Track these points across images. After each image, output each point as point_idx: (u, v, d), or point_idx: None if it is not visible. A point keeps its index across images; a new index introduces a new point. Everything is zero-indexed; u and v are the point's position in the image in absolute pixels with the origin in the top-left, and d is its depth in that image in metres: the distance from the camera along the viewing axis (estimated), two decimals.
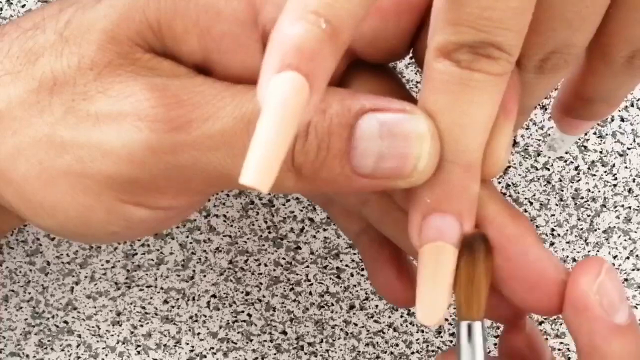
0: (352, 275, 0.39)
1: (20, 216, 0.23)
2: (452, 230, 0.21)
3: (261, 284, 0.39)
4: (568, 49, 0.21)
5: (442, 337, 0.41)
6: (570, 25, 0.20)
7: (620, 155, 0.35)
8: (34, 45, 0.22)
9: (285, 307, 0.40)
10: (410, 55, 0.24)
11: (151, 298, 0.40)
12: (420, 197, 0.21)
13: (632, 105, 0.34)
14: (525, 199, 0.36)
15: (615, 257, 0.38)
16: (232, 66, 0.22)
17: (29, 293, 0.39)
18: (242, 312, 0.40)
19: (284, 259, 0.38)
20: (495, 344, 0.41)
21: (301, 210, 0.37)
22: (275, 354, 0.41)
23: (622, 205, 0.36)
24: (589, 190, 0.36)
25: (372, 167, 0.20)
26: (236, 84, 0.22)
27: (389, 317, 0.40)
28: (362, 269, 0.38)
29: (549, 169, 0.35)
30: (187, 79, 0.21)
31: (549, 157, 0.35)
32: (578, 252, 0.38)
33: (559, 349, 0.41)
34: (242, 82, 0.22)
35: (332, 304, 0.40)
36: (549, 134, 0.35)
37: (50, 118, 0.21)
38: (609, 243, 0.37)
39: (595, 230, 0.37)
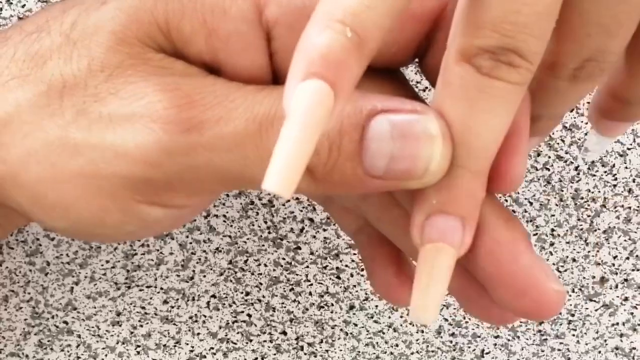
0: (351, 275, 0.39)
1: (31, 218, 0.23)
2: (454, 233, 0.21)
3: (261, 284, 0.39)
4: (604, 56, 0.20)
5: (441, 337, 0.41)
6: (606, 31, 0.20)
7: (620, 156, 0.35)
8: (40, 49, 0.22)
9: (285, 307, 0.40)
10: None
11: (151, 298, 0.40)
12: (426, 197, 0.21)
13: None
14: (525, 199, 0.36)
15: (615, 257, 0.38)
16: (240, 65, 0.22)
17: (29, 293, 0.39)
18: (242, 312, 0.40)
19: (283, 259, 0.38)
20: (494, 344, 0.41)
21: (301, 211, 0.37)
22: (275, 354, 0.41)
23: (622, 206, 0.36)
24: (589, 190, 0.36)
25: (384, 169, 0.20)
26: (247, 84, 0.22)
27: (389, 317, 0.40)
28: (362, 269, 0.38)
29: (549, 169, 0.35)
30: (199, 78, 0.21)
31: (549, 157, 0.35)
32: (578, 252, 0.38)
33: (559, 349, 0.41)
34: (250, 82, 0.22)
35: (332, 304, 0.40)
36: (585, 138, 0.34)
37: (61, 121, 0.21)
38: (608, 243, 0.37)
39: (595, 230, 0.37)
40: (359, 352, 0.41)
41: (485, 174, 0.21)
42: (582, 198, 0.36)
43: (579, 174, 0.35)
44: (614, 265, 0.38)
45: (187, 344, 0.41)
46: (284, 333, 0.41)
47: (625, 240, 0.37)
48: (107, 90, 0.21)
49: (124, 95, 0.21)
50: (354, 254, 0.38)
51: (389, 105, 0.20)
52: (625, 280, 0.38)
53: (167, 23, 0.21)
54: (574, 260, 0.38)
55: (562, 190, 0.36)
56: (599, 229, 0.37)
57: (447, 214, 0.21)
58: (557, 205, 0.36)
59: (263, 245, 0.38)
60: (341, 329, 0.40)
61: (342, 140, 0.20)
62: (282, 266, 0.38)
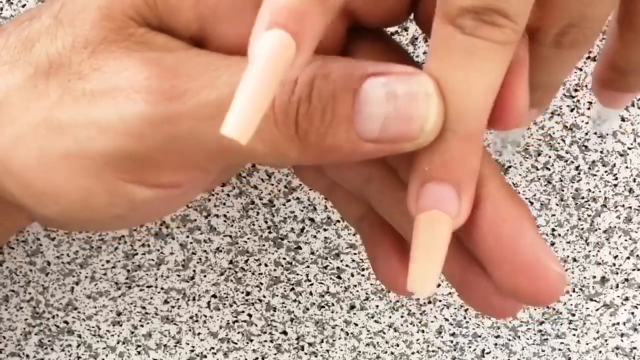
0: (352, 275, 0.39)
1: (24, 208, 0.23)
2: (449, 200, 0.20)
3: (261, 284, 0.39)
4: (586, 22, 0.20)
5: (442, 337, 0.41)
6: None
7: (621, 155, 0.35)
8: (29, 33, 0.22)
9: (285, 307, 0.40)
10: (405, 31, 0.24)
11: (151, 298, 0.40)
12: (419, 164, 0.21)
13: (632, 105, 0.34)
14: (526, 198, 0.36)
15: (615, 257, 0.38)
16: (229, 34, 0.22)
17: (29, 293, 0.39)
18: (243, 312, 0.40)
19: (284, 259, 0.38)
20: (495, 344, 0.41)
21: (301, 210, 0.37)
22: (275, 354, 0.41)
23: (623, 205, 0.36)
24: (589, 190, 0.36)
25: (378, 131, 0.20)
26: (232, 55, 0.22)
27: (390, 317, 0.40)
28: (363, 269, 0.38)
29: (549, 169, 0.35)
30: (182, 52, 0.22)
31: (550, 157, 0.35)
32: (578, 252, 0.37)
33: (559, 349, 0.41)
34: (238, 53, 0.22)
35: (333, 304, 0.40)
36: (593, 108, 0.34)
37: (47, 101, 0.21)
38: (609, 243, 0.37)
39: (596, 230, 0.37)
40: (360, 352, 0.41)
41: (478, 138, 0.21)
42: (582, 198, 0.36)
43: (579, 173, 0.35)
44: (614, 265, 0.38)
45: (188, 344, 0.41)
46: (285, 333, 0.41)
47: (625, 240, 0.37)
48: (90, 66, 0.21)
49: (106, 69, 0.21)
50: (355, 253, 0.38)
51: (380, 69, 0.20)
52: (626, 280, 0.38)
53: None
54: (574, 260, 0.38)
55: (563, 190, 0.36)
56: (599, 229, 0.37)
57: (440, 180, 0.20)
58: (557, 205, 0.36)
59: (263, 245, 0.38)
60: (342, 329, 0.40)
61: (335, 104, 0.20)
62: (282, 266, 0.38)
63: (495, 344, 0.41)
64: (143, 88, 0.21)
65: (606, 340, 0.40)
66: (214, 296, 0.40)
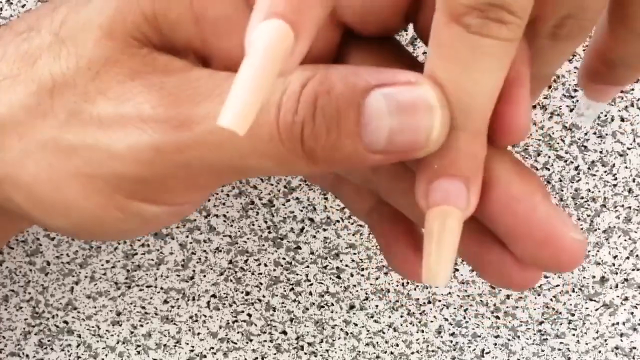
0: (352, 275, 0.39)
1: (31, 219, 0.23)
2: (458, 194, 0.21)
3: (261, 284, 0.39)
4: (583, 13, 0.20)
5: (442, 336, 0.41)
6: None
7: (620, 155, 0.35)
8: (29, 48, 0.22)
9: (285, 307, 0.40)
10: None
11: (151, 298, 0.40)
12: (428, 162, 0.21)
13: (632, 105, 0.34)
14: None
15: (615, 257, 0.38)
16: (231, 47, 0.22)
17: (29, 293, 0.39)
18: (242, 312, 0.40)
19: (284, 259, 0.38)
20: (495, 344, 0.41)
21: (301, 210, 0.37)
22: (275, 354, 0.41)
23: (622, 205, 0.36)
24: (589, 190, 0.36)
25: (385, 143, 0.20)
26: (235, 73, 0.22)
27: (389, 317, 0.40)
28: (362, 269, 0.38)
29: (549, 169, 0.35)
30: (183, 74, 0.22)
31: (549, 157, 0.35)
32: None
33: (559, 349, 0.41)
34: None
35: (332, 304, 0.40)
36: (578, 100, 0.34)
37: (54, 122, 0.21)
38: (609, 243, 0.37)
39: (595, 230, 0.37)
40: (359, 351, 0.41)
41: (484, 132, 0.21)
42: (582, 198, 0.36)
43: (579, 173, 0.35)
44: (614, 265, 0.38)
45: (188, 344, 0.41)
46: (284, 333, 0.41)
47: (625, 240, 0.37)
48: (96, 89, 0.21)
49: (111, 95, 0.21)
50: (354, 253, 0.38)
51: (381, 79, 0.20)
52: (625, 280, 0.38)
53: (153, 11, 0.22)
54: None
55: (562, 190, 0.36)
56: (599, 229, 0.37)
57: (450, 176, 0.21)
58: (557, 205, 0.36)
59: (263, 245, 0.38)
60: (341, 329, 0.40)
61: (340, 121, 0.20)
62: (282, 266, 0.38)
63: (495, 344, 0.41)
64: (149, 117, 0.21)
65: (605, 340, 0.40)
66: (214, 296, 0.40)
